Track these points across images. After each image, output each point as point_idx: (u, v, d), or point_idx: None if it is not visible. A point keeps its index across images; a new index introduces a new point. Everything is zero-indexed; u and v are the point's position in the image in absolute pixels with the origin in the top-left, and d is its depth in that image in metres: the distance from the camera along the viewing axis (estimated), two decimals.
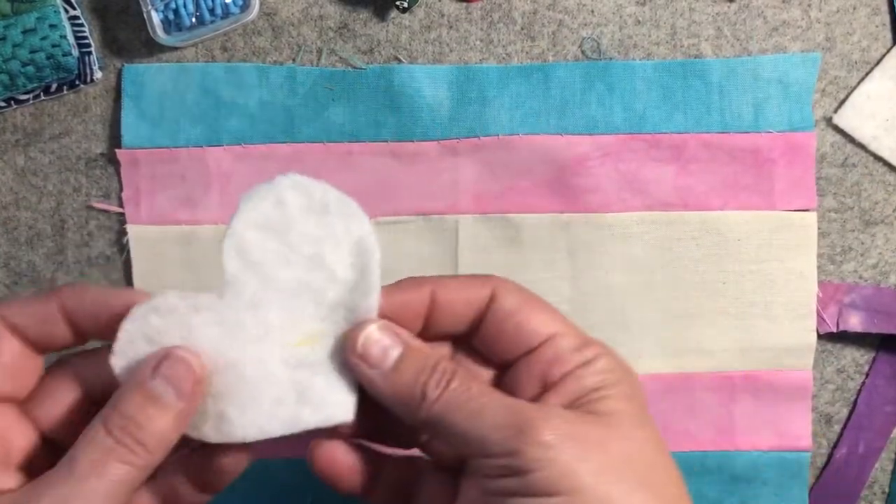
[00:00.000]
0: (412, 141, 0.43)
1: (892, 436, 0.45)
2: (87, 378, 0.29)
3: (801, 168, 0.43)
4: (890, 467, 0.45)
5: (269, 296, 0.29)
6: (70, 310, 0.28)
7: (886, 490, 0.45)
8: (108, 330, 0.27)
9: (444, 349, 0.31)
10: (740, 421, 0.44)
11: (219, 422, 0.28)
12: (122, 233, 0.44)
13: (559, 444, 0.24)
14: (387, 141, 0.43)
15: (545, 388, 0.28)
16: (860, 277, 0.44)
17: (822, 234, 0.43)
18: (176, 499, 0.29)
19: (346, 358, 0.28)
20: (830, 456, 0.45)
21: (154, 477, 0.28)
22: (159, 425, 0.26)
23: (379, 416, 0.29)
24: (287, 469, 0.44)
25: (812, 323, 0.43)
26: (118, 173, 0.43)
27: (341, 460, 0.29)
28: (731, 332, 0.43)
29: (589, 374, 0.27)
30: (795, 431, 0.44)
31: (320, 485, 0.44)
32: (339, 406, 0.29)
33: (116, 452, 0.25)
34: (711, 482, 0.44)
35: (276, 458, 0.43)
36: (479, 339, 0.30)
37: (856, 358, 0.44)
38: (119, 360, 0.28)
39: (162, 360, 0.26)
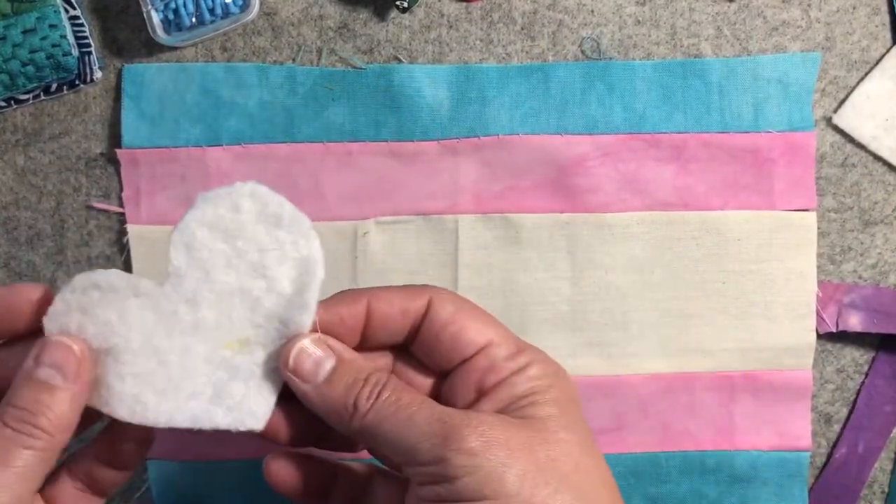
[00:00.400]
0: (412, 141, 0.43)
1: (891, 435, 0.45)
2: None
3: (801, 168, 0.43)
4: (889, 467, 0.45)
5: (207, 294, 0.30)
6: None
7: (886, 489, 0.45)
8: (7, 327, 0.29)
9: (384, 359, 0.31)
10: (740, 421, 0.44)
11: (134, 403, 0.29)
12: (122, 233, 0.44)
13: (484, 451, 0.25)
14: (387, 141, 0.43)
15: (479, 396, 0.28)
16: (860, 277, 0.44)
17: (821, 234, 0.44)
18: (94, 482, 0.30)
19: (280, 371, 0.29)
20: (830, 455, 0.45)
21: (70, 466, 0.30)
22: (55, 409, 0.27)
23: (323, 423, 0.29)
24: None
25: (812, 323, 0.43)
26: (118, 173, 0.43)
27: (294, 473, 0.31)
28: (730, 331, 0.43)
29: (521, 381, 0.28)
30: (795, 431, 0.44)
31: None
32: (252, 415, 0.30)
33: (18, 440, 0.26)
34: (711, 482, 0.44)
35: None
36: (417, 349, 0.30)
37: (855, 358, 0.44)
38: (51, 324, 0.28)
39: (42, 349, 0.27)
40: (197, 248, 0.30)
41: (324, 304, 0.30)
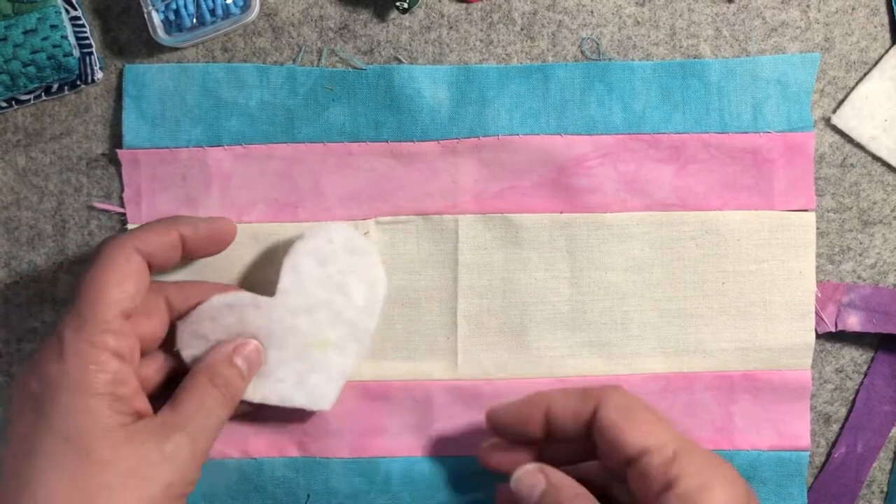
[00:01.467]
0: (412, 141, 0.43)
1: (890, 435, 0.45)
2: (173, 305, 0.38)
3: (800, 168, 0.43)
4: (888, 466, 0.45)
5: (303, 305, 0.40)
6: (185, 238, 0.37)
7: (885, 489, 0.45)
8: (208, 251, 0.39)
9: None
10: (739, 420, 0.44)
11: None
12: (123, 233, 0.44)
13: None
14: (387, 141, 0.43)
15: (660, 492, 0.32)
16: (859, 277, 0.44)
17: (820, 234, 0.44)
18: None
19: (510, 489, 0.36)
20: (829, 455, 0.45)
21: None
22: (239, 389, 0.37)
23: None
24: (284, 467, 0.44)
25: (811, 323, 0.43)
26: (119, 173, 0.43)
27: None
28: (730, 331, 0.43)
29: (674, 496, 0.31)
30: (794, 431, 0.44)
31: (316, 483, 0.45)
32: (323, 399, 0.41)
33: (222, 401, 0.36)
34: None
35: (281, 456, 0.43)
36: (594, 445, 0.35)
37: (854, 357, 0.44)
38: (187, 327, 0.39)
39: (240, 345, 0.38)
40: (300, 272, 0.40)
41: (514, 403, 0.37)
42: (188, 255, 0.38)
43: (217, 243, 0.39)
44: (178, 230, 0.37)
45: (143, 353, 0.37)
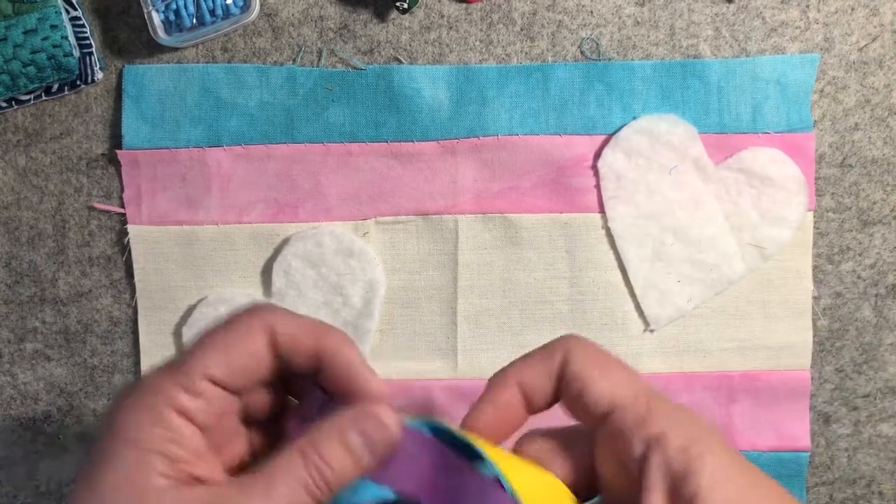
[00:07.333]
0: (412, 141, 0.43)
1: (890, 434, 0.45)
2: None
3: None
4: (888, 466, 0.45)
5: (301, 307, 0.41)
6: (324, 356, 0.30)
7: (882, 490, 0.45)
8: (332, 390, 0.30)
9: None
10: (739, 421, 0.44)
11: None
12: (123, 233, 0.44)
13: None
14: (386, 141, 0.43)
15: (635, 475, 0.27)
16: (858, 277, 0.44)
17: (820, 234, 0.44)
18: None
19: None
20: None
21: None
22: (346, 474, 0.28)
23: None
24: None
25: (808, 321, 0.43)
26: (119, 173, 0.43)
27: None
28: (729, 330, 0.43)
29: (662, 461, 0.27)
30: (794, 432, 0.44)
31: None
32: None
33: (307, 484, 0.28)
34: None
35: None
36: (565, 407, 0.31)
37: (854, 357, 0.44)
38: (189, 330, 0.41)
39: (364, 417, 0.29)
40: (292, 274, 0.42)
41: (479, 405, 0.31)
42: (319, 378, 0.31)
43: (352, 396, 0.30)
44: (323, 341, 0.30)
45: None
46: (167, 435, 0.28)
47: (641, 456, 0.27)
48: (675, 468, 0.26)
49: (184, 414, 0.29)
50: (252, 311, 0.30)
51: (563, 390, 0.29)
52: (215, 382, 0.29)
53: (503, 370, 0.32)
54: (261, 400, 0.31)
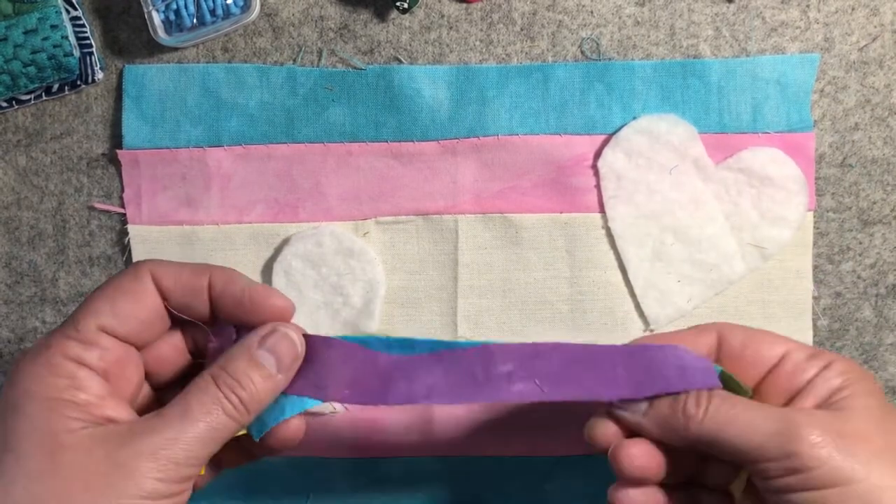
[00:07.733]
0: (412, 141, 0.43)
1: None
2: (192, 335, 0.33)
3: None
4: None
5: (301, 307, 0.41)
6: (216, 291, 0.32)
7: None
8: (240, 319, 0.32)
9: None
10: None
11: None
12: (124, 233, 0.44)
13: (829, 443, 0.28)
14: (386, 141, 0.43)
15: (792, 397, 0.31)
16: (858, 277, 0.44)
17: (820, 234, 0.44)
18: (220, 462, 0.34)
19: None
20: None
21: None
22: (258, 390, 0.30)
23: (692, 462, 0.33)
24: (287, 468, 0.44)
25: (808, 321, 0.43)
26: (119, 173, 0.43)
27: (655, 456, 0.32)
28: None
29: (831, 376, 0.31)
30: None
31: (319, 483, 0.45)
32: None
33: (223, 405, 0.29)
34: None
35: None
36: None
37: (854, 357, 0.44)
38: None
39: (269, 334, 0.31)
40: (292, 274, 0.42)
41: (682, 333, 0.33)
42: (222, 314, 0.32)
43: (257, 315, 0.32)
44: (209, 277, 0.32)
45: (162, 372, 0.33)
46: (67, 382, 0.29)
47: (812, 377, 0.31)
48: (834, 384, 0.30)
49: (80, 362, 0.30)
50: (135, 263, 0.32)
51: (728, 359, 0.32)
52: (107, 331, 0.30)
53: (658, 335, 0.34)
54: (171, 359, 0.33)
